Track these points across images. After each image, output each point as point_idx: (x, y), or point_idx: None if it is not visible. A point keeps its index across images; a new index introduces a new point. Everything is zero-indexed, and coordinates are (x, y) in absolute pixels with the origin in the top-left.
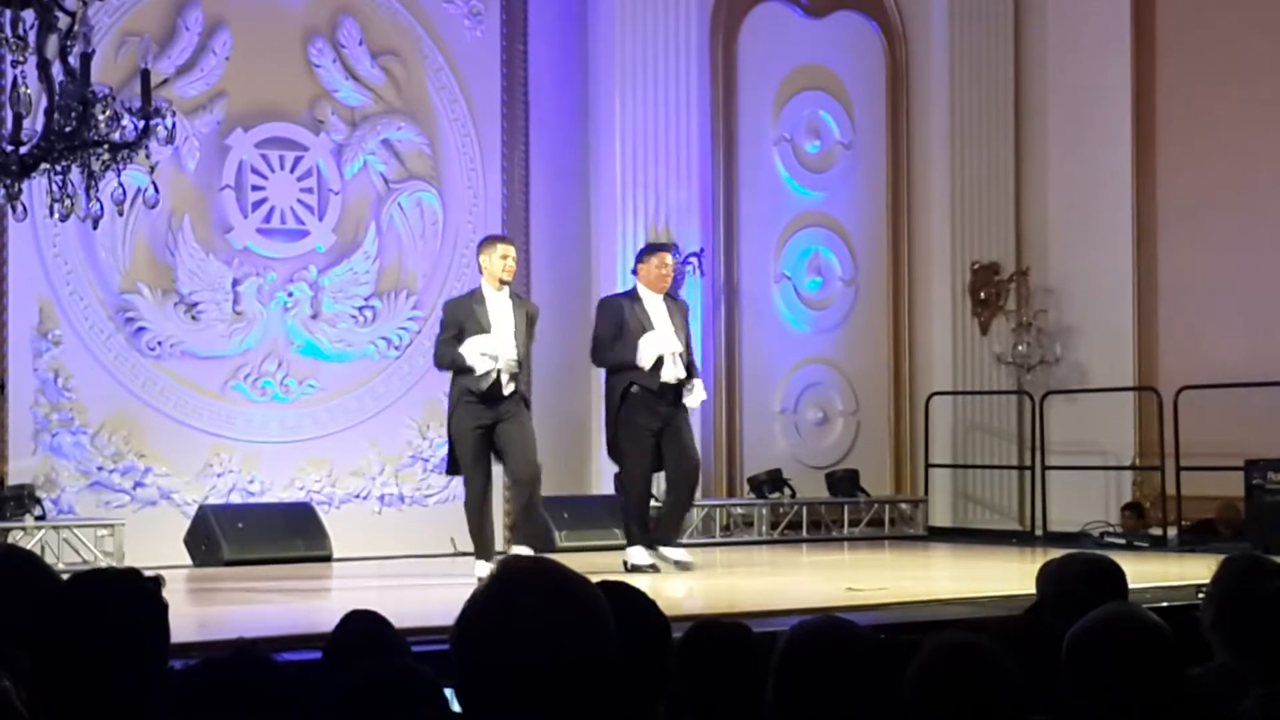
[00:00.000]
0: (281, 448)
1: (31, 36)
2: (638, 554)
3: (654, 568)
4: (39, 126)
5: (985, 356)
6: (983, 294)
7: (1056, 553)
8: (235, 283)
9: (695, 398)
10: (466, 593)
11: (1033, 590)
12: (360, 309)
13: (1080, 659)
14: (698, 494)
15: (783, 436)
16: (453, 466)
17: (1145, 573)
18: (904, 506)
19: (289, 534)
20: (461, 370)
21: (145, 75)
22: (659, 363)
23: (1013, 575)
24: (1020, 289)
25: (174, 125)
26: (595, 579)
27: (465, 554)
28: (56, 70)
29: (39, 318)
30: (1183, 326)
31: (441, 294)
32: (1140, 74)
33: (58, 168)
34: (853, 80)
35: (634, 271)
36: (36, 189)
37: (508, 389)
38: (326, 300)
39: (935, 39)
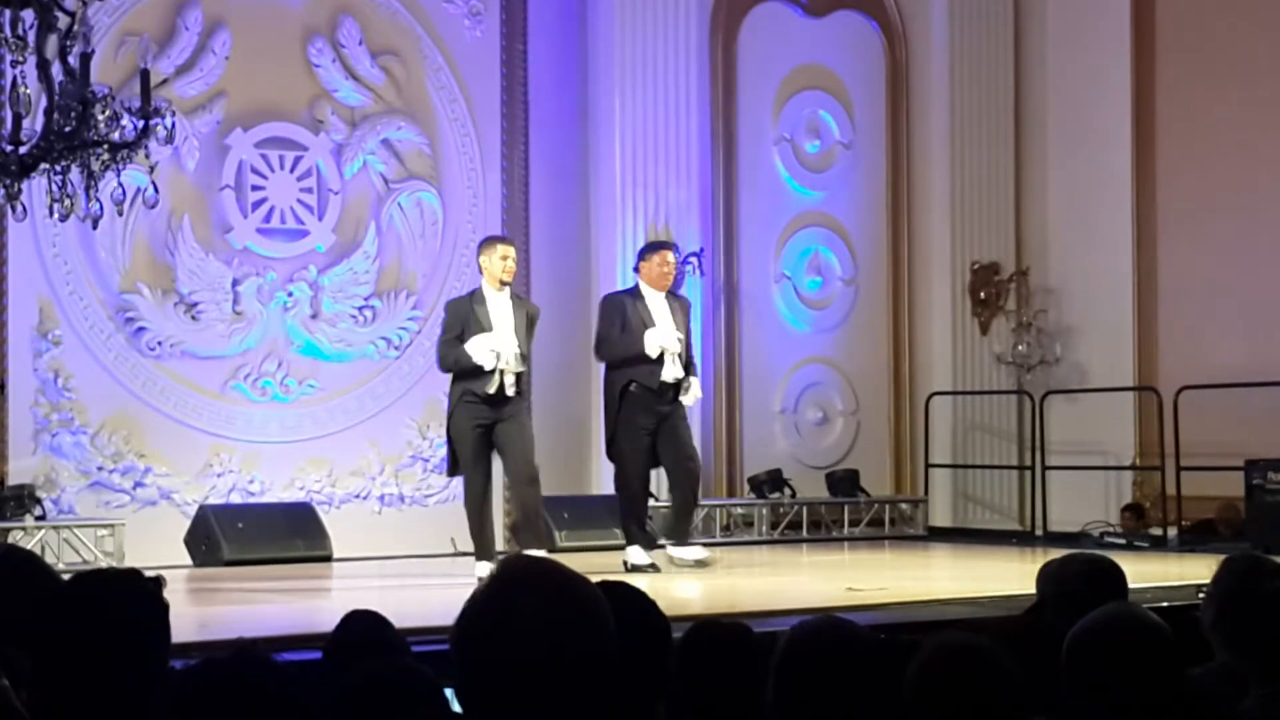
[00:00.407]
0: (281, 448)
1: (31, 36)
2: (636, 554)
3: (653, 567)
4: (38, 126)
5: (985, 356)
6: (983, 294)
7: (1057, 553)
8: (235, 283)
9: (691, 396)
10: (467, 593)
11: (1033, 590)
12: (360, 309)
13: (1080, 659)
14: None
15: (783, 436)
16: (453, 467)
17: (1145, 573)
18: (904, 506)
19: (289, 534)
20: (465, 372)
21: (145, 75)
22: (660, 359)
23: (1013, 575)
24: (1020, 289)
25: (173, 125)
26: (595, 579)
27: (465, 554)
28: (56, 70)
29: (39, 318)
30: (1183, 326)
31: (441, 294)
32: (1140, 74)
33: (57, 168)
34: (853, 80)
35: (636, 270)
36: (36, 189)
37: (510, 390)
38: (326, 300)
39: (935, 39)
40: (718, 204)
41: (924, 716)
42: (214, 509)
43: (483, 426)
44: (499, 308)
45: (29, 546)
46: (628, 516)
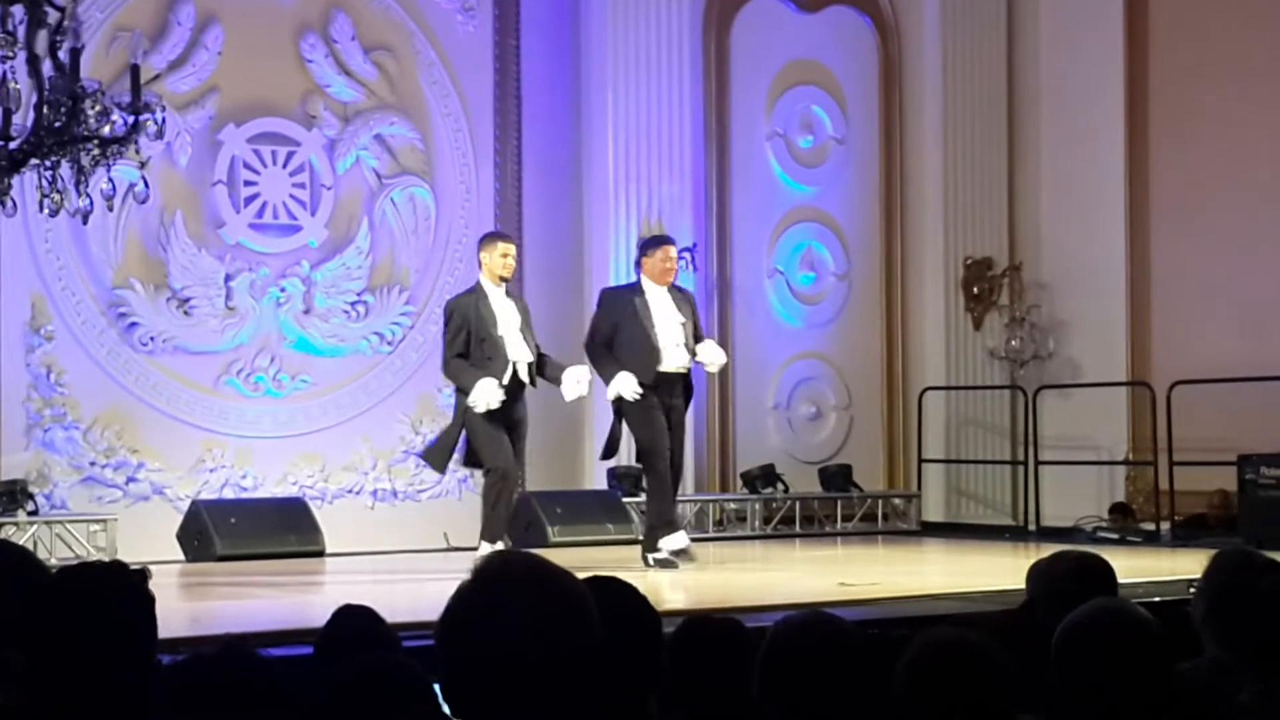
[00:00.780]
0: (274, 443)
1: (21, 32)
2: (680, 538)
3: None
4: (29, 122)
5: (978, 351)
6: (975, 289)
7: (1049, 547)
8: (228, 278)
9: (712, 358)
10: None
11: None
12: (353, 304)
13: (1069, 654)
14: (690, 489)
15: (775, 431)
16: (471, 457)
17: (1137, 567)
18: (897, 501)
19: (281, 529)
20: (464, 390)
21: (135, 70)
22: (657, 355)
23: (1005, 570)
24: (1013, 284)
25: (164, 120)
26: (588, 575)
27: (458, 549)
28: (46, 65)
29: (31, 313)
30: (1175, 321)
31: (434, 289)
32: (1133, 69)
33: (47, 163)
34: (846, 75)
35: (637, 264)
36: (26, 184)
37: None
38: (319, 295)
39: (928, 34)
40: (710, 199)
41: (914, 711)
42: (206, 504)
43: (497, 415)
44: (501, 304)
45: (21, 542)
46: (659, 501)
